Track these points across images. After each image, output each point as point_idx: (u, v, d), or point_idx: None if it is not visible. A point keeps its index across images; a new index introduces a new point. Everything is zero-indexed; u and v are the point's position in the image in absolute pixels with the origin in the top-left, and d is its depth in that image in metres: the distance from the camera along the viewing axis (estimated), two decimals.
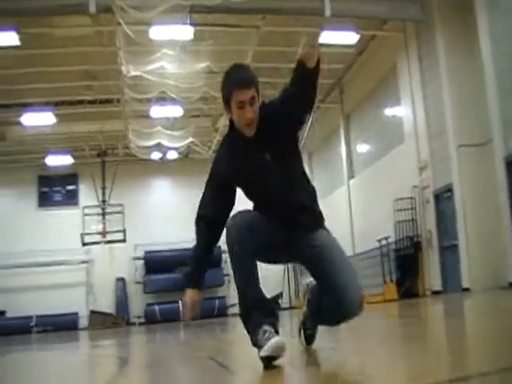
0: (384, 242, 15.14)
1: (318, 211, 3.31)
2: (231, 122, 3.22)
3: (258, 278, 3.06)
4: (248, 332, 3.05)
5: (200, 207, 3.28)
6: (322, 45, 14.70)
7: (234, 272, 3.11)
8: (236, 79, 3.09)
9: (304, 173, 3.34)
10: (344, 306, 3.03)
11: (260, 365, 2.80)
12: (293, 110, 3.10)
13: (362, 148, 18.83)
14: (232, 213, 3.21)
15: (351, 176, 19.13)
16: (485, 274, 11.71)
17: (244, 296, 3.06)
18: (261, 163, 3.14)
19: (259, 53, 14.91)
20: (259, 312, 3.01)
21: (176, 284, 22.58)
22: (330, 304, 3.10)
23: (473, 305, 6.10)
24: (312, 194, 3.32)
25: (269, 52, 15.81)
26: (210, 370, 2.89)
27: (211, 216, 3.22)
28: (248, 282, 3.06)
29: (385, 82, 16.35)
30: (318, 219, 3.30)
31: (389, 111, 16.76)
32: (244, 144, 3.17)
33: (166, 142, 18.41)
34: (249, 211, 3.23)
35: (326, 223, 3.33)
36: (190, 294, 3.21)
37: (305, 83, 3.04)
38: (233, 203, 3.29)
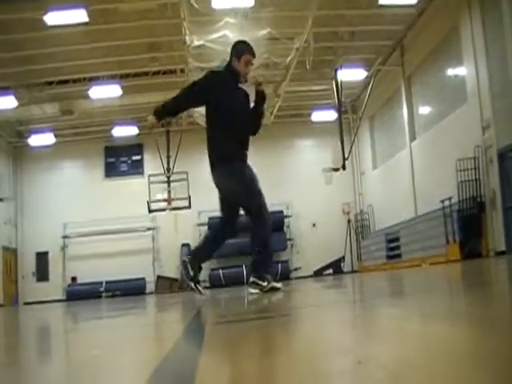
0: (447, 203, 15.01)
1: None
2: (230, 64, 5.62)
3: None
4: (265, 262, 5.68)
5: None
6: (382, 6, 14.70)
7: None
8: (251, 49, 5.69)
9: None
10: None
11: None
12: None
13: (424, 110, 18.64)
14: None
15: (413, 138, 18.98)
16: None
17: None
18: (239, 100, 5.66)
19: (319, 18, 14.99)
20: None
21: (240, 249, 23.08)
22: None
23: None
24: None
25: (328, 16, 15.89)
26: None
27: None
28: None
29: (447, 43, 16.06)
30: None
31: (451, 71, 16.50)
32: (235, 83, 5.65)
33: None
34: None
35: None
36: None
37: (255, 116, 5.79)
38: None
